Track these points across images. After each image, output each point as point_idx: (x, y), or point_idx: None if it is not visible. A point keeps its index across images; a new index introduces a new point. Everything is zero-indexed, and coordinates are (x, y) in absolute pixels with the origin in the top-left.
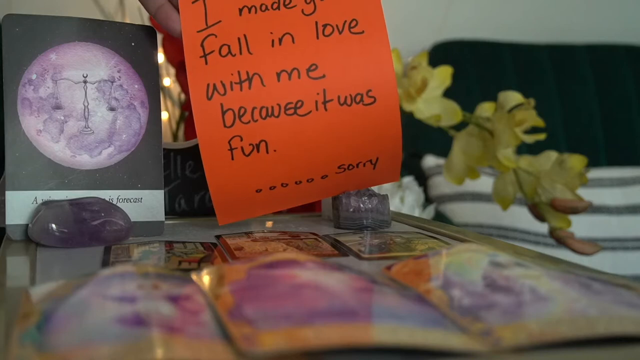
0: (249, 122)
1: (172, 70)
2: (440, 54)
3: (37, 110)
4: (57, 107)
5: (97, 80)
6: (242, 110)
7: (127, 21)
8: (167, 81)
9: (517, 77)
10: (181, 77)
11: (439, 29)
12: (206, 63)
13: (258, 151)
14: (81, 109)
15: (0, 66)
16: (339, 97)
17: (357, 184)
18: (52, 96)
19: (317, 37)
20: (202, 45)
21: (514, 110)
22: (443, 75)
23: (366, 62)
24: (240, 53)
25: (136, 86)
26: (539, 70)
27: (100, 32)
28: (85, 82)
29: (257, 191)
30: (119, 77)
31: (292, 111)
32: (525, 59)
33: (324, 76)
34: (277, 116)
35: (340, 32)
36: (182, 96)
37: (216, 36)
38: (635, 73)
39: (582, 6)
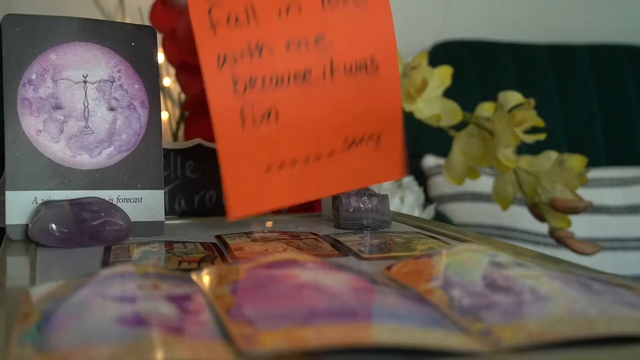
0: (259, 90)
1: (172, 70)
2: (440, 54)
3: (37, 110)
4: (57, 107)
5: (97, 80)
6: (253, 80)
7: (127, 21)
8: (167, 81)
9: (517, 77)
10: (181, 77)
11: (439, 29)
12: (215, 33)
13: (268, 119)
14: (81, 109)
15: (0, 66)
16: (344, 66)
17: (361, 175)
18: (52, 96)
19: (322, 7)
20: (209, 15)
21: (514, 110)
22: (443, 75)
23: (369, 30)
24: (248, 23)
25: (136, 86)
26: (539, 70)
27: (100, 32)
28: (85, 82)
29: (267, 170)
30: (119, 77)
31: (301, 80)
32: (525, 59)
33: (330, 46)
34: (287, 85)
35: (345, 3)
36: (182, 96)
37: (223, 6)
38: (635, 73)
39: (582, 6)
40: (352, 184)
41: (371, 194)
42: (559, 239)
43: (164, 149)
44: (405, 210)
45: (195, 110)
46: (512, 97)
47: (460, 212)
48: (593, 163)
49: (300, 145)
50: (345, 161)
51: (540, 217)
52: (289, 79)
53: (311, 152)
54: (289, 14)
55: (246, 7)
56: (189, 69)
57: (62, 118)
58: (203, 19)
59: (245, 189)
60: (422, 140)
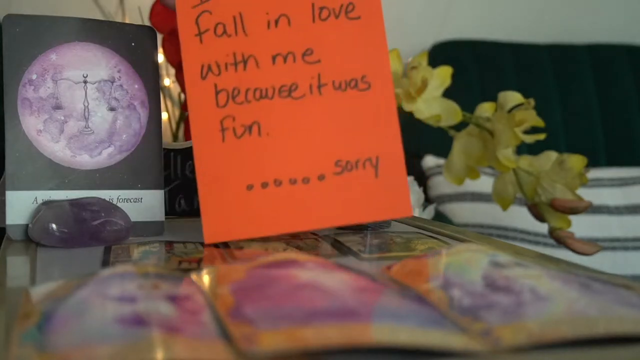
0: (242, 102)
1: (172, 70)
2: (440, 54)
3: (37, 110)
4: (57, 107)
5: (97, 80)
6: (236, 91)
7: (127, 21)
8: (167, 81)
9: (517, 77)
10: (181, 77)
11: (439, 29)
12: (201, 42)
13: (250, 133)
14: (81, 109)
15: (0, 66)
16: (333, 82)
17: (360, 207)
18: (52, 96)
19: (313, 21)
20: (197, 23)
21: (514, 110)
22: (443, 75)
23: (361, 48)
24: (236, 33)
25: (136, 86)
26: (539, 70)
27: (100, 32)
28: (85, 82)
29: (248, 188)
30: (119, 77)
31: (286, 94)
32: (525, 59)
33: (319, 61)
34: (271, 98)
35: (336, 17)
36: (182, 96)
37: (211, 13)
38: (635, 73)
39: (582, 6)
40: (349, 216)
41: None
42: (559, 239)
43: (164, 149)
44: None
45: None
46: (512, 97)
47: (460, 212)
48: (593, 163)
49: (285, 163)
50: (338, 188)
51: (540, 217)
52: (273, 93)
53: (298, 172)
54: (278, 26)
55: (235, 17)
56: None
57: (63, 118)
58: (190, 27)
59: (224, 209)
60: (422, 140)
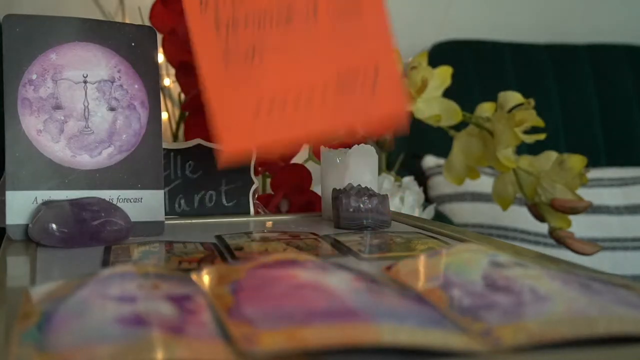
0: (242, 32)
1: (172, 70)
2: (440, 54)
3: (37, 110)
4: (57, 107)
5: (97, 80)
6: (235, 21)
7: (127, 21)
8: (167, 81)
9: (517, 77)
10: (181, 77)
11: (439, 29)
12: None
13: (252, 59)
14: (81, 109)
15: (0, 66)
16: (328, 6)
17: (363, 117)
18: (52, 96)
19: None
20: None
21: (514, 110)
22: (443, 75)
23: None
24: None
25: (136, 86)
26: (539, 70)
27: (100, 32)
28: (85, 82)
29: (255, 113)
30: (119, 77)
31: (283, 20)
32: (525, 59)
33: None
34: (269, 25)
35: None
36: (182, 96)
37: None
38: (635, 73)
39: (582, 6)
40: (353, 126)
41: (371, 194)
42: (559, 239)
43: (164, 149)
44: (405, 210)
45: (195, 110)
46: (512, 97)
47: (460, 212)
48: (593, 163)
49: (288, 84)
50: (340, 101)
51: (540, 217)
52: (271, 20)
53: (301, 91)
54: None
55: None
56: (188, 69)
57: (63, 118)
58: None
59: (237, 132)
60: (422, 140)
